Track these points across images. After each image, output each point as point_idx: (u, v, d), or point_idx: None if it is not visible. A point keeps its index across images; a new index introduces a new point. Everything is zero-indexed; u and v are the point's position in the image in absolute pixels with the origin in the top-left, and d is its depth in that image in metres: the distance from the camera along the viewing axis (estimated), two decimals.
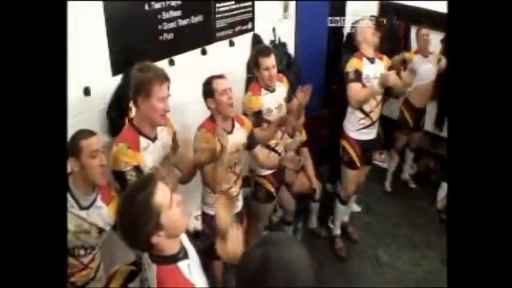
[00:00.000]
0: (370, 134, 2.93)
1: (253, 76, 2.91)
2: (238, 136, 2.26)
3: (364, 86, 2.74)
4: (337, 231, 3.29)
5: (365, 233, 3.41)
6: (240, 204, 2.42)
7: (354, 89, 2.73)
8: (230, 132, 2.20)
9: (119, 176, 1.73)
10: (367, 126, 2.89)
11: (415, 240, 3.32)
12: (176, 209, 1.25)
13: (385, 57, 2.91)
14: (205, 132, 2.11)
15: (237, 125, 2.28)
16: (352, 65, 2.75)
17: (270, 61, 2.48)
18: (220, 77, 2.18)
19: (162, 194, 1.23)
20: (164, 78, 1.76)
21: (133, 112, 1.94)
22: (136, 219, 1.20)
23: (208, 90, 2.15)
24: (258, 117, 2.50)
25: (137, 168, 1.76)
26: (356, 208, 3.58)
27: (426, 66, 3.42)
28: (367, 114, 2.85)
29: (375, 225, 3.50)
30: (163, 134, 1.92)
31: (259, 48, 2.76)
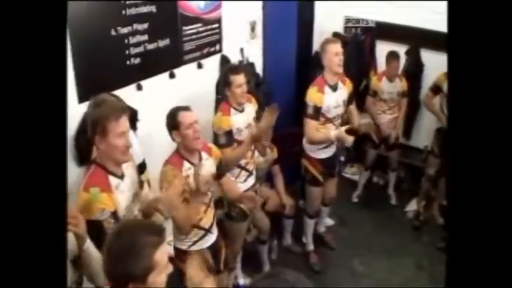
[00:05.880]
0: (329, 152, 2.99)
1: (223, 97, 2.95)
2: (207, 167, 2.16)
3: (325, 118, 2.78)
4: (311, 247, 3.32)
5: (339, 244, 3.46)
6: (214, 236, 2.32)
7: (311, 127, 2.78)
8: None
9: (95, 226, 1.54)
10: (326, 146, 2.94)
11: (390, 248, 3.38)
12: (164, 277, 1.20)
13: (347, 81, 2.93)
14: (172, 169, 2.03)
15: (204, 155, 2.20)
16: (312, 97, 2.76)
17: (242, 78, 2.52)
18: (186, 108, 2.09)
19: (163, 253, 1.17)
20: (121, 111, 1.64)
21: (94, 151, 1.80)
22: (125, 256, 1.13)
23: (173, 123, 2.06)
24: (228, 137, 2.50)
25: (115, 214, 1.61)
26: (329, 221, 3.63)
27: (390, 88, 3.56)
28: None
29: (349, 237, 3.55)
30: (129, 171, 1.80)
31: (229, 67, 2.77)
